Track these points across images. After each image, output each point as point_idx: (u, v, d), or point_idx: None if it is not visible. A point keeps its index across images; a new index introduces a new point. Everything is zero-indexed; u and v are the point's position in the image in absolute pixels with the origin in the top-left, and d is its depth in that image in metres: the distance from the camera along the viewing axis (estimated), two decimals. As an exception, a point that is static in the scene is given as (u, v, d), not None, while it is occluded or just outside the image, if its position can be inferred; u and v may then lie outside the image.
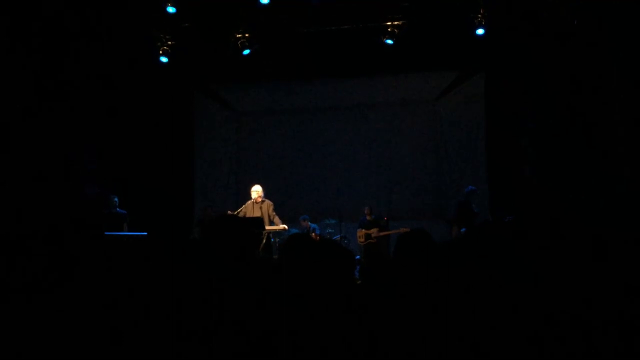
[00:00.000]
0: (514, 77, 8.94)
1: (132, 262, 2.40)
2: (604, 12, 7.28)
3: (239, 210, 7.48)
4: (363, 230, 9.17)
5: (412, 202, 10.01)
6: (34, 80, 7.24)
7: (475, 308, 1.95)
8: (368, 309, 2.05)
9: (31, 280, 2.19)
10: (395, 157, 10.29)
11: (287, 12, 8.21)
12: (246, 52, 8.68)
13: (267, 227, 7.39)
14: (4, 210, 6.18)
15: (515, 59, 8.67)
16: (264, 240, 7.38)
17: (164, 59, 8.70)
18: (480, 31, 8.11)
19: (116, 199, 8.25)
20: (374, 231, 9.06)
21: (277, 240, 7.91)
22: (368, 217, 9.21)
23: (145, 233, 7.24)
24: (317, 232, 9.05)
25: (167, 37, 8.69)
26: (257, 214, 7.38)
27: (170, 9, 7.86)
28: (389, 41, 8.41)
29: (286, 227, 7.61)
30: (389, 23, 8.38)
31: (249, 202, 7.51)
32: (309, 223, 9.16)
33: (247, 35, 8.65)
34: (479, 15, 8.01)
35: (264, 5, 7.75)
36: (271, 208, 7.54)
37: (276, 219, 7.50)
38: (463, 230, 7.90)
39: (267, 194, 7.70)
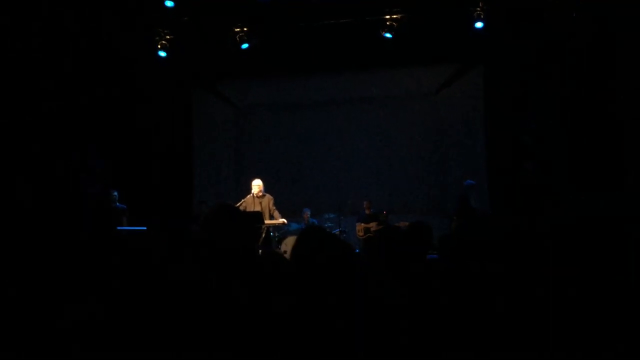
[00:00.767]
0: (513, 70, 8.93)
1: (132, 257, 2.41)
2: (605, 7, 7.27)
3: (239, 203, 7.49)
4: (362, 224, 9.19)
5: (411, 196, 10.02)
6: (33, 79, 7.22)
7: (477, 300, 1.96)
8: (367, 300, 2.05)
9: (39, 279, 2.20)
10: (395, 150, 10.29)
11: (286, 6, 8.20)
12: (245, 46, 8.67)
13: (267, 221, 7.40)
14: (7, 208, 6.18)
15: (514, 52, 8.66)
16: (264, 234, 7.39)
17: (162, 54, 8.68)
18: (479, 24, 8.10)
19: (116, 194, 8.25)
20: (373, 225, 9.07)
21: (276, 234, 7.92)
22: (367, 211, 9.22)
23: (145, 228, 7.23)
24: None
25: (166, 31, 8.67)
26: (257, 208, 7.39)
27: (169, 3, 7.85)
28: (388, 35, 8.40)
29: (285, 221, 7.62)
30: (387, 17, 8.38)
31: (249, 196, 7.51)
32: (309, 216, 9.21)
33: (245, 29, 8.63)
34: (478, 9, 8.01)
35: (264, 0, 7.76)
36: (271, 202, 7.55)
37: (276, 213, 7.51)
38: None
39: (267, 188, 7.71)
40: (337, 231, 9.05)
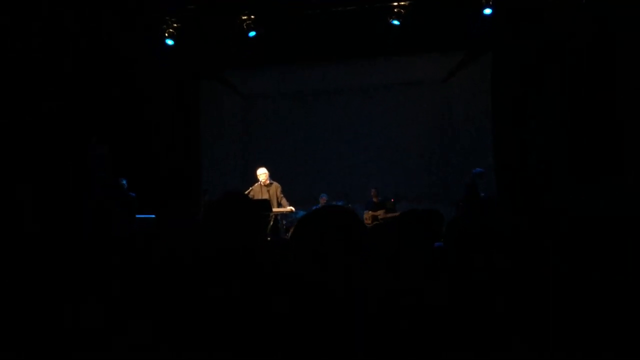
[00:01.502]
0: (521, 57, 8.85)
1: (142, 245, 2.42)
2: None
3: (247, 192, 7.52)
4: (370, 212, 9.21)
5: (419, 183, 10.02)
6: (33, 79, 7.24)
7: (478, 298, 1.96)
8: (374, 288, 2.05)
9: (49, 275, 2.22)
10: (403, 138, 10.27)
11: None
12: (252, 34, 8.65)
13: (275, 209, 7.43)
14: (6, 208, 6.21)
15: (523, 38, 8.58)
16: (272, 222, 7.43)
17: (169, 42, 8.68)
18: (487, 11, 8.03)
19: (124, 182, 8.31)
20: (380, 213, 9.09)
21: (284, 222, 7.95)
22: (375, 199, 9.24)
23: (154, 216, 7.28)
24: None
25: (173, 19, 8.66)
26: (265, 196, 7.42)
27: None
28: (396, 22, 8.35)
29: (293, 209, 7.65)
30: (395, 3, 8.31)
31: (257, 184, 7.54)
32: (326, 201, 9.18)
33: (252, 17, 8.60)
34: (487, -5, 7.94)
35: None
36: (279, 190, 7.58)
37: (284, 201, 7.54)
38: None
39: (274, 176, 7.73)
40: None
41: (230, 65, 10.21)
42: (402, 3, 8.30)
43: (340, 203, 9.35)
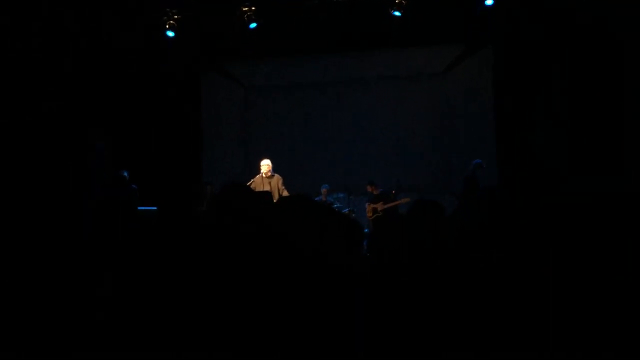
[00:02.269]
0: (522, 49, 8.84)
1: (145, 235, 2.43)
2: None
3: (248, 183, 7.52)
4: (370, 204, 9.21)
5: (419, 175, 10.03)
6: (33, 79, 7.23)
7: (478, 297, 1.96)
8: (375, 280, 2.06)
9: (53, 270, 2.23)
10: (403, 130, 10.26)
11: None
12: (252, 25, 8.62)
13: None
14: (7, 208, 6.21)
15: (523, 30, 8.56)
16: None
17: (170, 34, 8.66)
18: (489, 2, 8.01)
19: (126, 174, 8.30)
20: (379, 205, 9.10)
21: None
22: (374, 192, 9.22)
23: (155, 207, 7.27)
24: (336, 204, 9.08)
25: (174, 11, 8.64)
26: (267, 188, 7.41)
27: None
28: (397, 13, 8.33)
29: (295, 200, 7.65)
30: (396, -5, 8.30)
31: (258, 176, 7.54)
32: (327, 191, 9.13)
33: (253, 8, 8.58)
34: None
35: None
36: (280, 182, 7.58)
37: (285, 193, 7.53)
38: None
39: (275, 168, 7.73)
40: (346, 210, 9.08)
41: (231, 58, 10.19)
42: (403, -6, 8.28)
43: (341, 195, 9.37)
